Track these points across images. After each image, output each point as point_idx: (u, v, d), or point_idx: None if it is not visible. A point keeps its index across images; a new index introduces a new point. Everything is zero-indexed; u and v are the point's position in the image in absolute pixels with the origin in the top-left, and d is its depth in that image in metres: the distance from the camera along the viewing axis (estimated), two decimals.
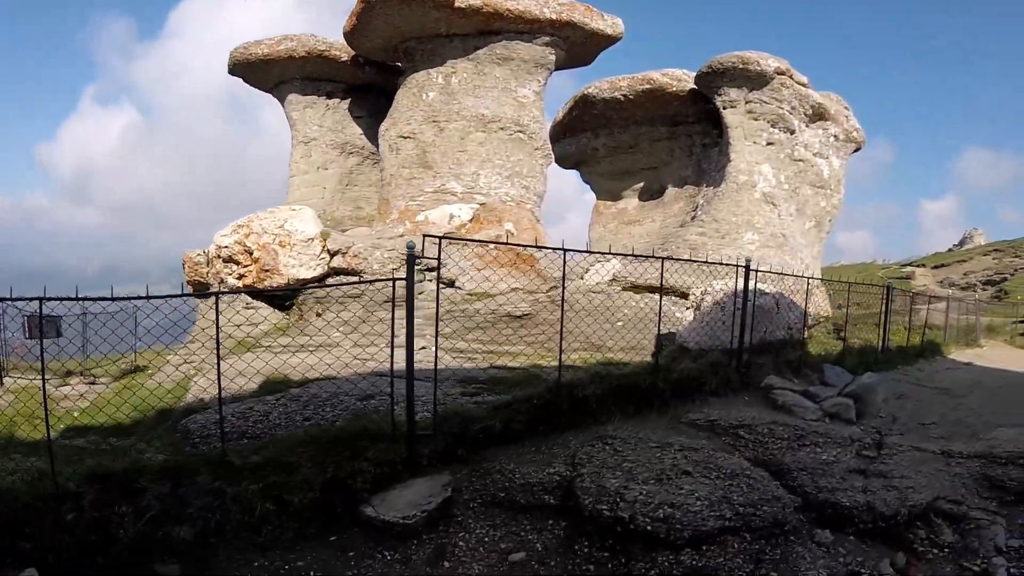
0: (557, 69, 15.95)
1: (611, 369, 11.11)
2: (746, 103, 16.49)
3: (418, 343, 12.33)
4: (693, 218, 16.89)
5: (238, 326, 12.71)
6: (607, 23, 14.48)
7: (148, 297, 4.98)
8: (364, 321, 11.92)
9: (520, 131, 14.41)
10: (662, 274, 8.66)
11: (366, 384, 9.15)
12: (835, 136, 18.09)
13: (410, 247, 6.66)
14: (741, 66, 15.71)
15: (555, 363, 12.71)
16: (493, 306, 12.25)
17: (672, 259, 13.51)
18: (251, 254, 12.05)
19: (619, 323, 12.52)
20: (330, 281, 11.87)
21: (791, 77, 16.45)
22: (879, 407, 9.29)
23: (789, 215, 17.41)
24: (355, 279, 11.58)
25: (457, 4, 13.17)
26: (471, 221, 13.39)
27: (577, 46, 14.77)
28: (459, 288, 12.65)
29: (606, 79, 17.27)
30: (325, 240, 11.87)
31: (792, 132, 17.20)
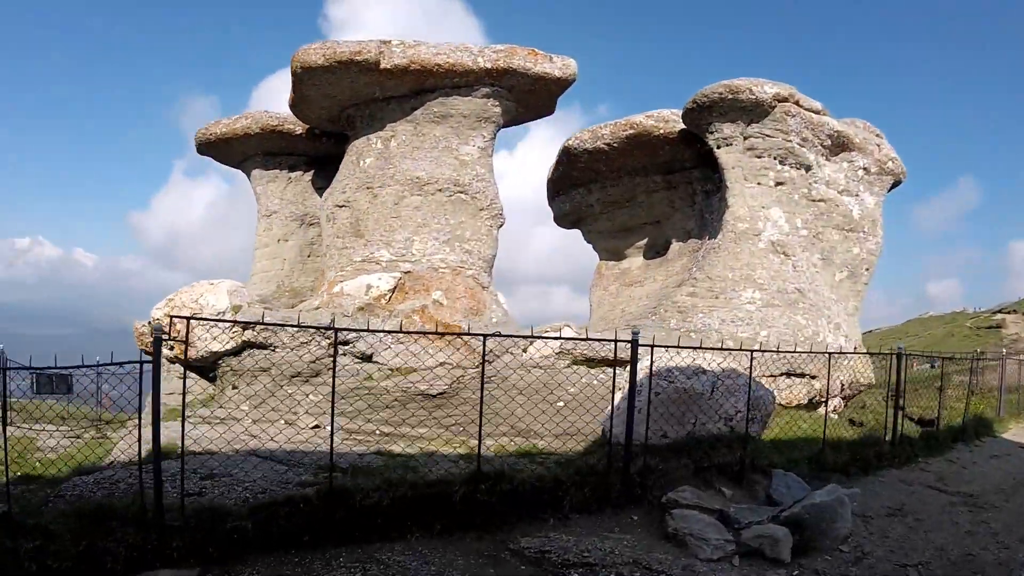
0: (513, 122, 14.88)
1: (525, 463, 9.84)
2: (744, 139, 14.66)
3: (309, 421, 11.58)
4: (690, 276, 15.07)
5: (169, 394, 13.39)
6: (555, 65, 13.35)
7: (82, 366, 6.39)
8: (272, 394, 11.33)
9: (460, 191, 13.33)
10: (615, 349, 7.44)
11: (226, 463, 8.53)
12: (864, 169, 15.66)
13: (156, 328, 6.09)
14: (730, 96, 14.03)
15: (463, 449, 11.43)
16: (407, 384, 11.21)
17: (566, 338, 12.02)
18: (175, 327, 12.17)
19: (560, 403, 11.01)
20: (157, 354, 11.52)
21: (797, 104, 14.48)
22: (844, 534, 6.87)
23: (812, 265, 15.06)
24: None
25: (383, 66, 12.53)
26: (394, 291, 12.50)
27: (526, 94, 13.66)
28: (378, 363, 11.77)
29: (588, 129, 16.06)
30: (236, 314, 11.61)
31: (808, 168, 15.05)
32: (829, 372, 10.04)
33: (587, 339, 9.73)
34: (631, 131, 15.40)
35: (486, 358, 12.00)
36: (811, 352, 10.44)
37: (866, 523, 7.54)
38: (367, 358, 11.65)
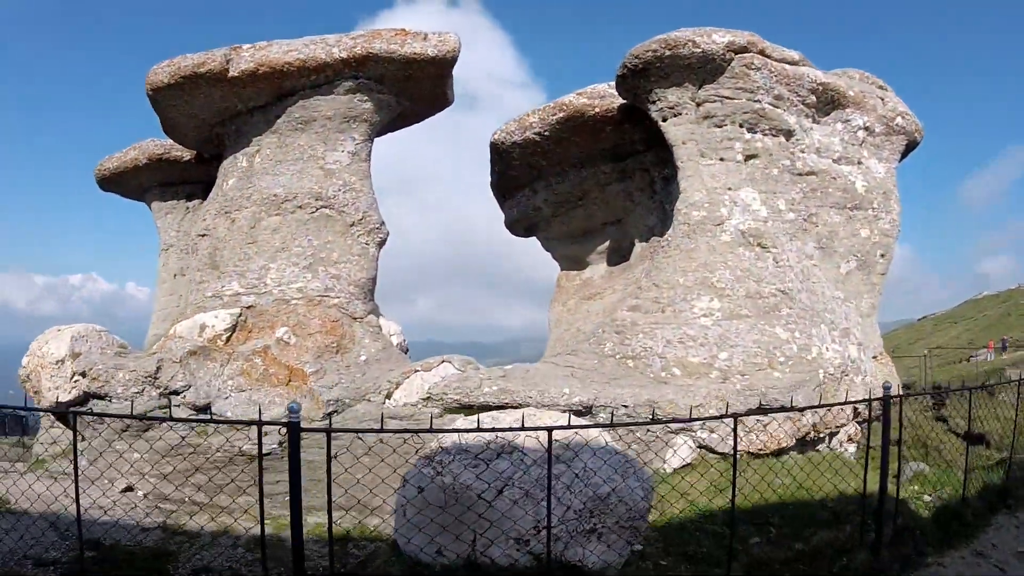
0: (401, 120, 12.65)
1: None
2: (697, 105, 11.70)
3: (123, 484, 9.75)
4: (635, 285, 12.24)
5: (45, 444, 12.69)
6: (428, 43, 10.87)
7: None
8: (108, 448, 9.75)
9: (324, 206, 11.09)
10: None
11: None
12: (866, 129, 12.22)
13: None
14: (668, 53, 11.16)
15: (274, 528, 9.19)
16: (235, 440, 9.25)
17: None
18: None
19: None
20: None
21: (763, 53, 11.43)
22: None
23: (805, 257, 11.77)
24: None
25: (232, 74, 10.75)
26: (234, 330, 10.59)
27: (403, 82, 11.27)
28: (215, 414, 9.90)
29: (515, 118, 13.63)
30: (74, 362, 10.24)
31: (788, 134, 11.86)
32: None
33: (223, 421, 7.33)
34: (561, 114, 12.80)
35: (334, 407, 10.02)
36: (707, 418, 7.51)
37: None
38: (203, 409, 9.83)
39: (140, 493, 9.32)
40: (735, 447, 6.05)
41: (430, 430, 5.68)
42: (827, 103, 11.93)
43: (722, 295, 10.71)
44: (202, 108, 11.39)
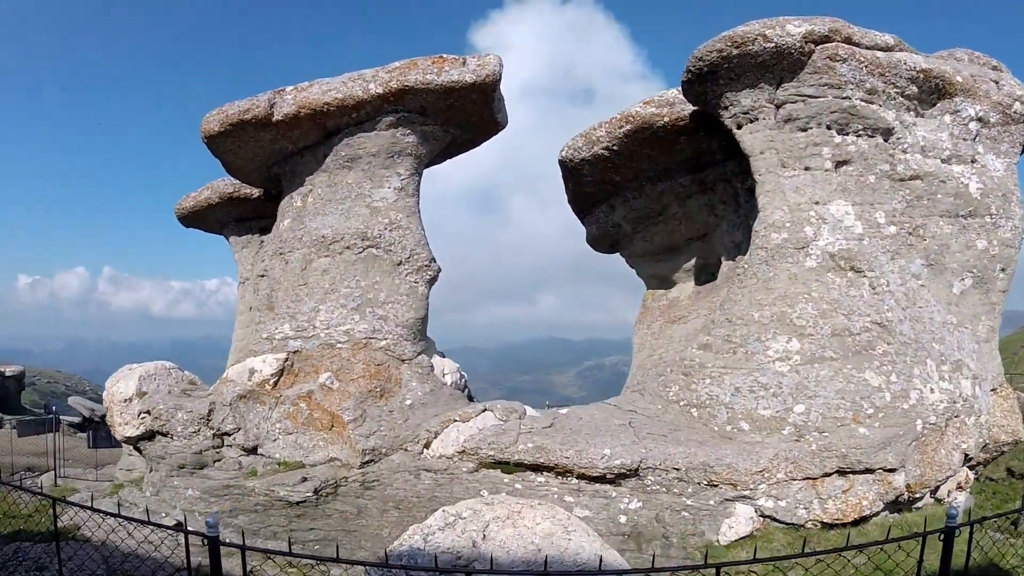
0: (451, 149, 12.28)
1: None
2: (776, 107, 10.23)
3: (172, 520, 10.19)
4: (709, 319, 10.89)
5: (119, 469, 16.14)
6: (467, 69, 10.28)
7: None
8: (165, 485, 10.43)
9: (371, 246, 10.93)
10: None
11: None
12: (979, 120, 10.04)
13: None
14: (736, 52, 9.78)
15: None
16: (273, 485, 9.38)
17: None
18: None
19: None
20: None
21: (849, 41, 9.75)
22: None
23: (910, 278, 9.92)
24: None
25: (276, 119, 10.89)
26: (280, 374, 10.64)
27: (447, 111, 10.91)
28: (263, 455, 10.15)
29: (581, 133, 12.69)
30: (141, 400, 10.95)
31: (887, 133, 10.03)
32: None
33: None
34: (628, 126, 11.73)
35: (372, 456, 9.90)
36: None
37: None
38: (251, 450, 10.17)
39: (189, 527, 9.84)
40: None
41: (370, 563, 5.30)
42: (931, 92, 10.01)
43: (802, 334, 9.32)
44: (255, 151, 11.68)
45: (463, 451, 9.22)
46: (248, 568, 7.14)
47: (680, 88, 11.05)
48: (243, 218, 15.29)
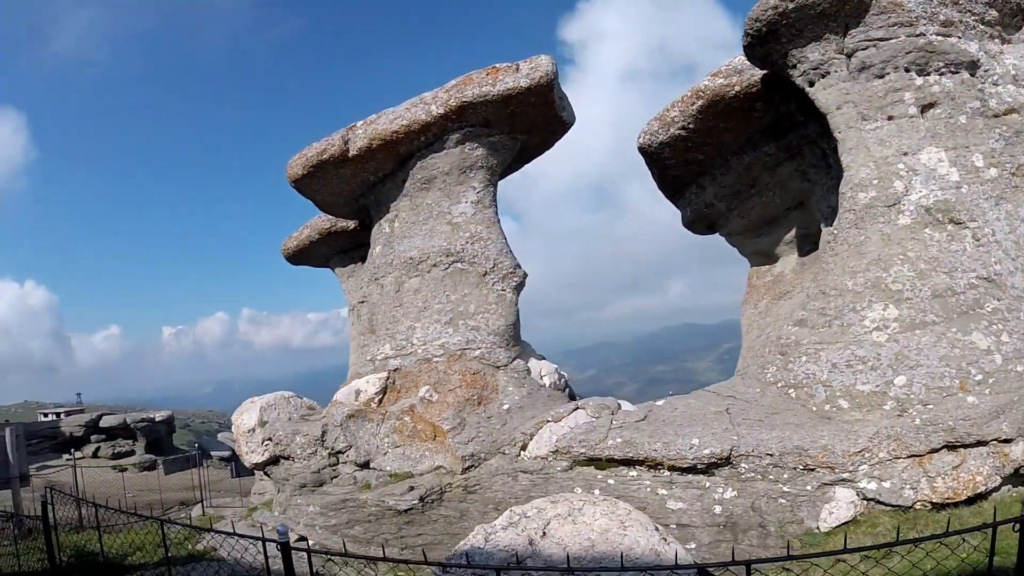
0: (524, 155, 12.55)
1: None
2: (848, 57, 9.56)
3: (295, 536, 11.20)
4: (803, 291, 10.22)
5: (254, 493, 18.12)
6: (520, 75, 10.45)
7: None
8: (290, 504, 11.60)
9: (456, 261, 11.40)
10: None
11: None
12: None
13: None
14: (792, 5, 9.21)
15: None
16: (383, 496, 10.09)
17: None
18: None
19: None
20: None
21: None
22: None
23: (1021, 221, 8.81)
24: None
25: (352, 154, 11.72)
26: (384, 392, 11.24)
27: (510, 119, 11.19)
28: (375, 469, 10.91)
29: (656, 116, 12.34)
30: (262, 428, 12.15)
31: (973, 65, 9.06)
32: None
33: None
34: (701, 102, 11.40)
35: (472, 462, 10.41)
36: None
37: None
38: (364, 465, 11.08)
39: (310, 542, 10.90)
40: None
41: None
42: (1014, 14, 9.19)
43: (900, 300, 8.71)
44: (339, 186, 12.58)
45: (556, 451, 9.52)
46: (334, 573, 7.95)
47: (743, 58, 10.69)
48: (344, 250, 16.43)
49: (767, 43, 9.95)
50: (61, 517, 11.90)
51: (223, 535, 6.41)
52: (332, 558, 10.90)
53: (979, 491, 7.69)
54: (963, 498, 7.70)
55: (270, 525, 11.53)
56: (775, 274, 13.13)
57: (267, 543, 5.92)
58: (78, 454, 34.19)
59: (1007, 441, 7.75)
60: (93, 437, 38.40)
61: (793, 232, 12.71)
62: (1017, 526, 4.42)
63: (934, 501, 7.72)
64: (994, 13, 8.93)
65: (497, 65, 11.01)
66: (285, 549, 5.59)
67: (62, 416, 42.78)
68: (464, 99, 10.94)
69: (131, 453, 37.44)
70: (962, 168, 9.05)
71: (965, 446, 7.84)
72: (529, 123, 11.61)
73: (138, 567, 11.29)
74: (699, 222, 14.21)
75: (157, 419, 40.32)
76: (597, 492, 9.01)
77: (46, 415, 45.44)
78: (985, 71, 9.06)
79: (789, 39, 9.77)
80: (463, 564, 5.44)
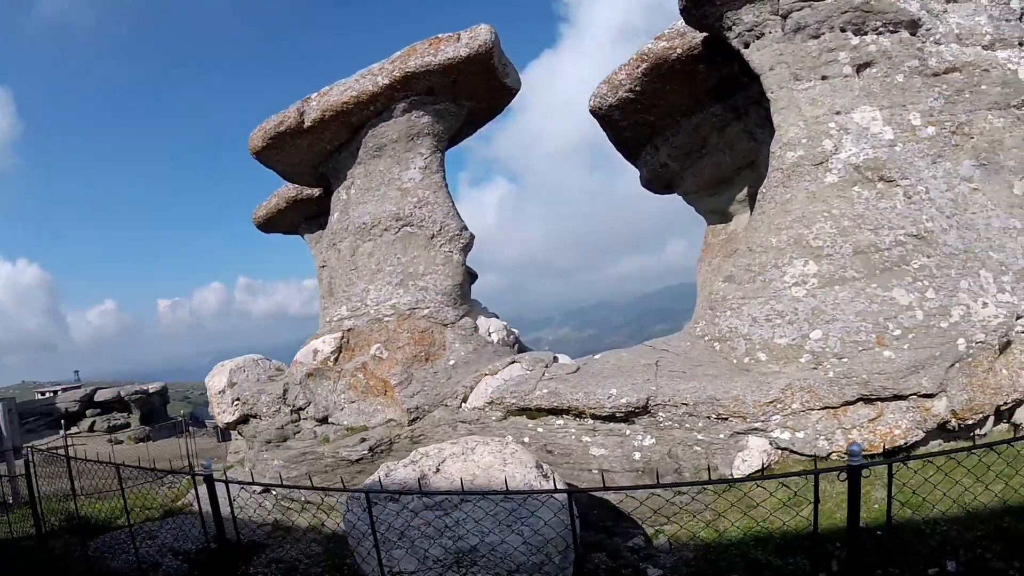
0: (472, 121, 12.62)
1: None
2: (783, 18, 9.45)
3: (260, 487, 11.60)
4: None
5: (230, 452, 17.74)
6: (460, 44, 10.42)
7: None
8: (257, 460, 12.00)
9: (405, 225, 11.55)
10: None
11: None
12: None
13: None
14: None
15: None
16: (337, 448, 10.45)
17: None
18: None
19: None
20: None
21: None
22: None
23: (963, 180, 8.76)
24: None
25: (307, 125, 11.80)
26: (339, 351, 11.57)
27: (453, 87, 11.26)
28: (333, 423, 11.24)
29: (604, 80, 12.31)
30: (231, 390, 12.49)
31: (914, 25, 8.94)
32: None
33: None
34: (645, 64, 11.32)
35: (417, 414, 10.69)
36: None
37: None
38: (323, 420, 11.40)
39: (273, 493, 11.31)
40: None
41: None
42: None
43: (820, 256, 8.76)
44: (299, 157, 12.67)
45: (491, 401, 9.75)
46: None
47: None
48: (311, 216, 16.61)
49: (702, 5, 9.83)
50: (53, 489, 12.35)
51: (151, 472, 6.77)
52: (291, 507, 11.46)
53: (898, 444, 7.75)
54: (880, 450, 7.79)
55: (240, 480, 11.97)
56: (728, 232, 13.18)
57: (195, 476, 6.53)
58: (74, 429, 34.41)
59: (929, 396, 7.82)
60: (88, 412, 38.42)
61: (745, 191, 12.71)
62: (844, 475, 4.49)
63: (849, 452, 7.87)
64: None
65: (439, 36, 11.01)
66: (209, 481, 6.36)
67: (59, 393, 43.04)
68: (408, 69, 10.99)
69: (126, 426, 37.71)
70: (897, 127, 8.98)
71: (882, 399, 7.93)
72: (473, 90, 11.62)
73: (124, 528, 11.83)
74: (656, 182, 14.22)
75: (151, 391, 40.61)
76: (527, 439, 9.27)
77: (43, 394, 45.64)
78: (927, 30, 8.93)
79: (723, 1, 9.67)
80: (360, 490, 5.95)
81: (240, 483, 6.45)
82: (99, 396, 39.20)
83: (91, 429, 36.56)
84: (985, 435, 8.25)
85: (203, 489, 10.47)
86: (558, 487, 6.18)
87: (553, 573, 5.56)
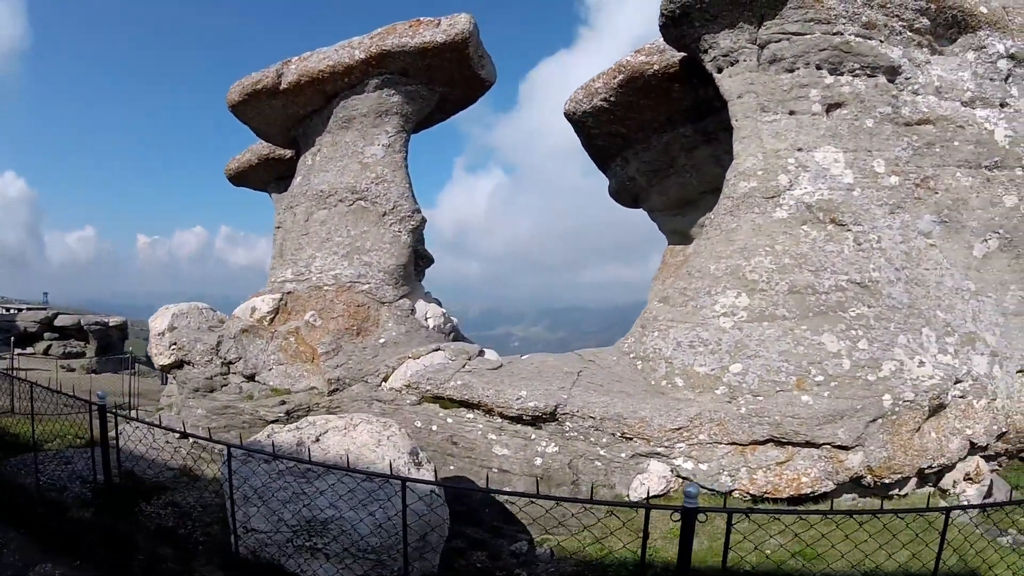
0: (445, 111, 12.60)
1: None
2: (760, 48, 9.19)
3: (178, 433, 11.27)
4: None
5: (162, 395, 16.04)
6: (439, 30, 10.31)
7: None
8: (184, 406, 11.75)
9: (359, 199, 11.37)
10: None
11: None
12: (1011, 57, 8.52)
13: None
14: None
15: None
16: (256, 407, 10.22)
17: None
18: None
19: None
20: None
21: None
22: None
23: (917, 235, 8.52)
24: None
25: (283, 87, 11.70)
26: (276, 312, 11.26)
27: (427, 71, 11.19)
28: (260, 382, 10.98)
29: (581, 86, 12.03)
30: (171, 334, 12.26)
31: (892, 72, 8.71)
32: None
33: None
34: (621, 76, 11.06)
35: (336, 386, 10.39)
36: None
37: None
38: (251, 377, 11.11)
39: (190, 441, 11.03)
40: None
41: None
42: (948, 26, 8.61)
43: (754, 289, 8.50)
44: (272, 116, 12.50)
45: (408, 385, 9.46)
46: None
47: None
48: (281, 176, 16.22)
49: (681, 25, 9.56)
50: None
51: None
52: (202, 455, 11.14)
53: (803, 492, 7.42)
54: (784, 495, 7.44)
55: (164, 423, 11.68)
56: (686, 255, 12.91)
57: (99, 408, 6.76)
58: (29, 349, 33.56)
59: (844, 448, 7.49)
60: (46, 334, 37.03)
61: (707, 215, 12.45)
62: (677, 515, 4.18)
63: (752, 492, 7.48)
64: (925, 21, 8.53)
65: (421, 19, 10.90)
66: (102, 411, 6.68)
67: (22, 311, 42.03)
68: (384, 47, 10.82)
69: (82, 355, 36.76)
70: (859, 171, 8.73)
71: (793, 444, 7.61)
72: (447, 77, 11.45)
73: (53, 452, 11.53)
74: (623, 194, 13.95)
75: (111, 323, 39.86)
76: (435, 427, 8.99)
77: (8, 310, 44.50)
78: (906, 78, 8.70)
79: (703, 23, 9.38)
80: (237, 445, 5.80)
81: (129, 418, 6.46)
82: (59, 321, 38.07)
83: (46, 352, 35.63)
84: (905, 496, 7.99)
85: (127, 425, 10.26)
86: (424, 478, 5.89)
87: (403, 559, 5.33)
